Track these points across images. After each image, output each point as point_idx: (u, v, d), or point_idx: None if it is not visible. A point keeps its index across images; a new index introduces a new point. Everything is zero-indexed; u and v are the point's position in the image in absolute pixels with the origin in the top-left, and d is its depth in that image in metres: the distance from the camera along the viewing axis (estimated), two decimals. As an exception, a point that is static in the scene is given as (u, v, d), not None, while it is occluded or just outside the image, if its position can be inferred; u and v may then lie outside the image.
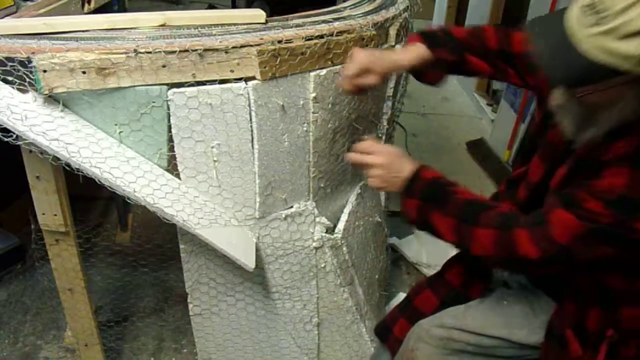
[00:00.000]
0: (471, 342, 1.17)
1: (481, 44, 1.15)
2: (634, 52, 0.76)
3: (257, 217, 1.28)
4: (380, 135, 1.59)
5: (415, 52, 1.13)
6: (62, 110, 1.08)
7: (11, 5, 1.33)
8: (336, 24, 1.24)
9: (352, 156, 1.13)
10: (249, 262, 1.22)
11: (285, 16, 1.30)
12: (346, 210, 1.49)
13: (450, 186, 1.05)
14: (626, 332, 1.00)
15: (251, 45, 1.10)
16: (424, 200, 1.04)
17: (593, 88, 0.83)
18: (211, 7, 5.25)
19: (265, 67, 1.11)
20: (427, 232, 1.09)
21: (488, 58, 1.16)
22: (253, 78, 1.12)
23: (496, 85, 3.69)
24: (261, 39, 1.12)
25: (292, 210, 1.33)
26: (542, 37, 0.86)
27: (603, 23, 0.76)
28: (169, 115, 1.11)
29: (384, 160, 1.07)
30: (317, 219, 1.37)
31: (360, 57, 1.10)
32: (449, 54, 1.14)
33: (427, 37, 1.15)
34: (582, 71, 0.80)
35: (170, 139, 1.14)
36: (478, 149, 3.22)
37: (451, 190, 1.04)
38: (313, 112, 1.23)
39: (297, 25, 1.22)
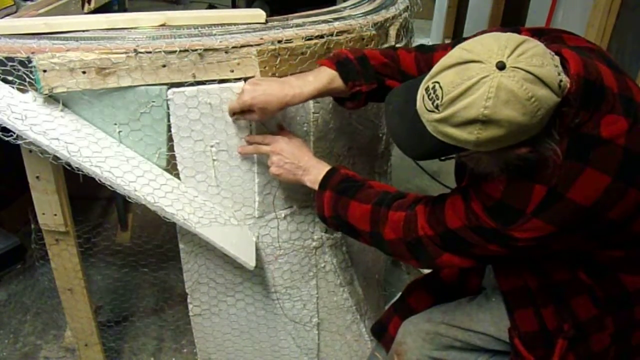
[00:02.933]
0: (459, 337, 1.17)
1: (398, 69, 1.12)
2: (469, 138, 0.77)
3: (257, 216, 1.28)
4: (381, 135, 1.59)
5: (316, 83, 1.07)
6: (62, 110, 1.08)
7: (11, 5, 1.34)
8: (336, 24, 1.24)
9: (247, 149, 1.17)
10: (250, 261, 1.22)
11: (285, 16, 1.30)
12: (346, 210, 1.48)
13: (367, 180, 1.10)
14: (584, 326, 0.99)
15: (251, 45, 1.10)
16: (341, 191, 1.08)
17: (452, 154, 0.87)
18: (211, 7, 5.25)
19: (265, 67, 1.12)
20: (340, 227, 1.13)
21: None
22: (253, 78, 1.12)
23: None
24: (261, 39, 1.12)
25: (292, 209, 1.33)
26: (398, 114, 0.88)
27: (438, 110, 0.77)
28: (168, 115, 1.11)
29: (279, 147, 1.12)
30: (317, 219, 1.37)
31: (258, 99, 1.04)
32: (366, 84, 1.09)
33: (342, 67, 1.08)
34: (434, 147, 0.83)
35: (170, 139, 1.14)
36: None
37: (368, 183, 1.09)
38: (313, 112, 1.23)
39: (297, 25, 1.22)
